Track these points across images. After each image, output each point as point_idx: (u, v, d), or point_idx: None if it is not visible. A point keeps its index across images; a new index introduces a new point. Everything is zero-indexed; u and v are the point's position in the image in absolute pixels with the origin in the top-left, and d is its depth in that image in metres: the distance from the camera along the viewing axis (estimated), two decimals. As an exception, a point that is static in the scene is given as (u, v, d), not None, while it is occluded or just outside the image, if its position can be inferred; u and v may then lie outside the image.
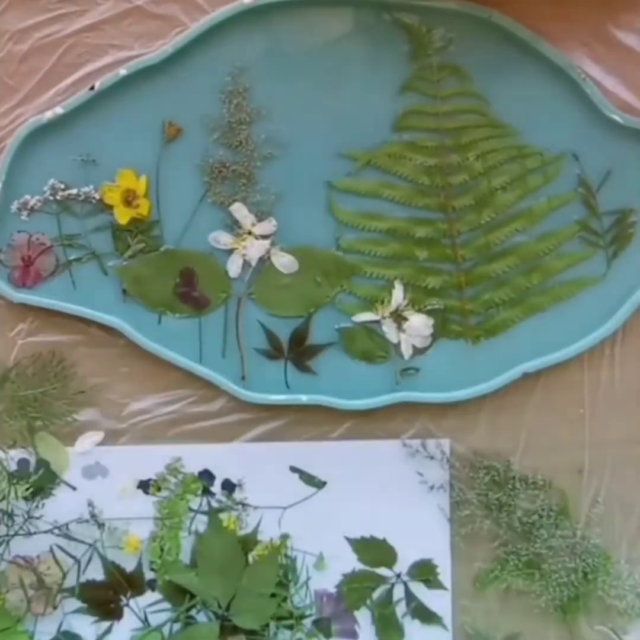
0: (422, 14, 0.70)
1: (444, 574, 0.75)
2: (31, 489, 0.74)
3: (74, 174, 0.72)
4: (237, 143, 0.71)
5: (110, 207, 0.72)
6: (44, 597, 0.74)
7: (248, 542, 0.75)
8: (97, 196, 0.72)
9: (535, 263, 0.73)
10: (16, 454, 0.74)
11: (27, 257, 0.72)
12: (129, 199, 0.72)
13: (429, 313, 0.74)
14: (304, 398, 0.74)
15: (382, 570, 0.75)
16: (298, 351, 0.74)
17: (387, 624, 0.75)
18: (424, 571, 0.75)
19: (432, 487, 0.75)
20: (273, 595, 0.73)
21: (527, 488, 0.74)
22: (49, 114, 0.70)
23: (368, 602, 0.75)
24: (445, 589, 0.75)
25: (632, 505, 0.75)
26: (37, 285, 0.73)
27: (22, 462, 0.75)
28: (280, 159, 0.71)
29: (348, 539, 0.75)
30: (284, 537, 0.75)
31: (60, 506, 0.74)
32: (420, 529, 0.75)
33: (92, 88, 0.70)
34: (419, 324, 0.74)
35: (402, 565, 0.75)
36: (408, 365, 0.74)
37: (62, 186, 0.71)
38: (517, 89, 0.71)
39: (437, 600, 0.75)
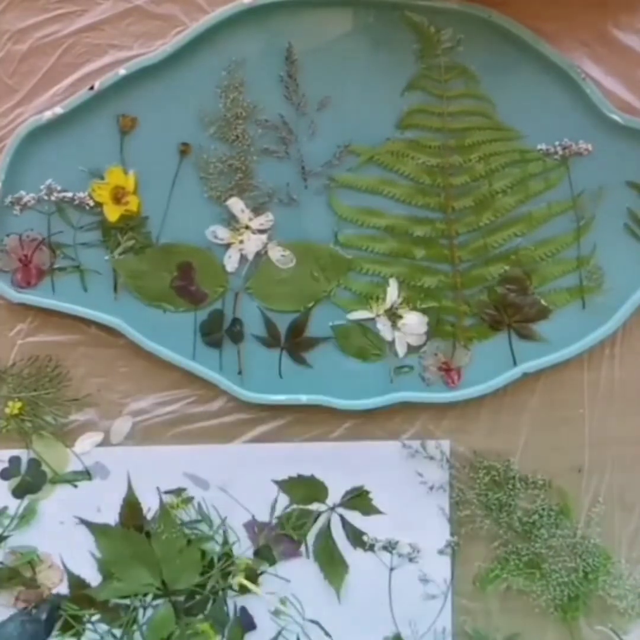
0: (429, 14, 0.70)
1: (444, 574, 0.75)
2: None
3: (72, 176, 0.72)
4: (234, 137, 0.71)
5: (99, 205, 0.72)
6: (32, 595, 0.75)
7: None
8: (91, 203, 0.72)
9: (532, 268, 0.73)
10: (9, 452, 0.75)
11: (23, 257, 0.72)
12: (118, 196, 0.71)
13: (424, 311, 0.74)
14: (303, 398, 0.74)
15: (316, 505, 0.75)
16: (295, 342, 0.74)
17: (329, 558, 0.75)
18: (358, 500, 0.75)
19: (432, 488, 0.75)
20: (189, 542, 0.74)
21: (527, 488, 0.75)
22: (48, 114, 0.70)
23: (306, 539, 0.75)
24: (381, 513, 0.75)
25: (632, 505, 0.75)
26: (41, 281, 0.73)
27: (14, 460, 0.75)
28: (279, 153, 0.72)
29: (276, 482, 0.75)
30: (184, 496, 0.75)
31: (61, 505, 0.75)
32: (421, 529, 0.75)
33: (91, 88, 0.70)
34: (414, 322, 0.74)
35: (334, 497, 0.75)
36: (402, 364, 0.74)
37: (59, 188, 0.71)
38: (517, 89, 0.71)
39: (375, 526, 0.75)
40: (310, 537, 0.75)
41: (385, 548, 0.75)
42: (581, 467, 0.75)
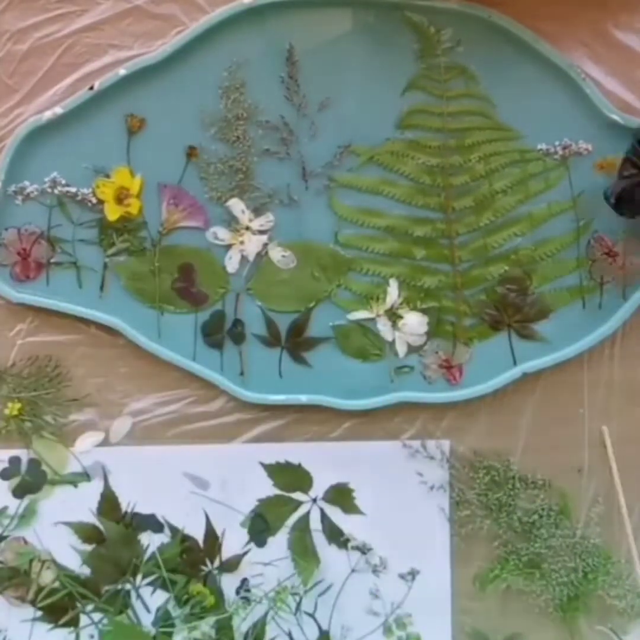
0: (429, 14, 0.70)
1: (444, 574, 0.75)
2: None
3: (76, 174, 0.72)
4: (235, 138, 0.71)
5: (101, 202, 0.72)
6: (23, 588, 0.75)
7: None
8: (93, 200, 0.72)
9: (532, 268, 0.73)
10: (9, 452, 0.75)
11: (22, 250, 0.72)
12: (121, 197, 0.72)
13: (424, 311, 0.74)
14: (303, 398, 0.74)
15: (298, 495, 0.75)
16: (295, 342, 0.74)
17: (303, 550, 0.75)
18: (340, 496, 0.75)
19: (432, 487, 0.75)
20: None
21: (527, 488, 0.75)
22: (48, 114, 0.70)
23: (285, 525, 0.75)
24: (362, 514, 0.75)
25: (632, 505, 0.75)
26: (40, 274, 0.73)
27: (14, 460, 0.75)
28: (280, 154, 0.72)
29: (262, 464, 0.75)
30: None
31: (61, 505, 0.75)
32: (420, 529, 0.75)
33: (91, 88, 0.70)
34: (414, 322, 0.74)
35: (318, 490, 0.75)
36: (402, 363, 0.74)
37: (63, 182, 0.71)
38: (517, 89, 0.71)
39: (353, 525, 0.75)
40: (287, 527, 0.75)
41: (358, 548, 0.75)
42: (581, 467, 0.75)
